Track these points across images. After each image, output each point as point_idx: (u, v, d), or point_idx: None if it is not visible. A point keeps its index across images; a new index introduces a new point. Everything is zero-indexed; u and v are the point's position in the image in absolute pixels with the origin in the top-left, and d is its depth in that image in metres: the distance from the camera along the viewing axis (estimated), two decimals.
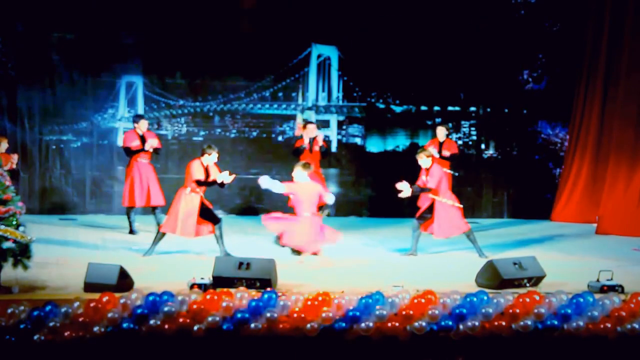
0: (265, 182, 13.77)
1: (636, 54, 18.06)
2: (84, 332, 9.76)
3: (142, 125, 16.39)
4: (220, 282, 11.24)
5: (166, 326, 9.92)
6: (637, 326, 10.50)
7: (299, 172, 13.92)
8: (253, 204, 19.74)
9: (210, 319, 10.00)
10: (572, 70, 19.73)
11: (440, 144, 16.92)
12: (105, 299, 9.99)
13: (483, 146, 20.62)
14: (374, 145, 20.43)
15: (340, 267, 13.54)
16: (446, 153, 16.85)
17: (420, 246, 14.78)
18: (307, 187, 13.87)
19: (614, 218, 17.80)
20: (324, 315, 10.09)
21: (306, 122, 16.89)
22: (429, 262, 14.33)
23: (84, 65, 19.04)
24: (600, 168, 18.76)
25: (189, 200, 13.92)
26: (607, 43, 18.63)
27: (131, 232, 16.47)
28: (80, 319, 9.79)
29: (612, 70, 18.56)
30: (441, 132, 17.00)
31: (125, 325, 9.86)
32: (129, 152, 16.29)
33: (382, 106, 20.32)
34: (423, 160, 14.60)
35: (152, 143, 16.19)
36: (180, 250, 14.51)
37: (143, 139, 16.24)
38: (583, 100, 19.27)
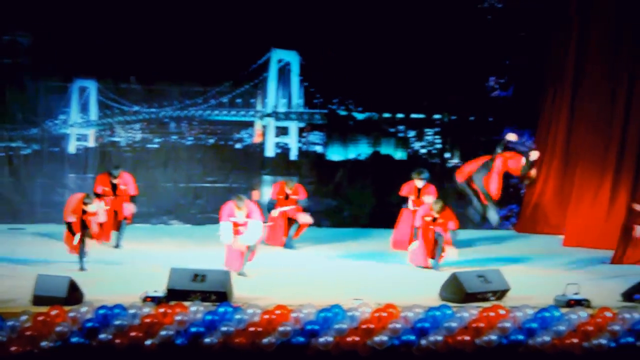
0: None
1: (604, 63, 17.92)
2: (31, 347, 9.63)
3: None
4: (175, 295, 11.04)
5: (117, 341, 9.79)
6: (604, 342, 10.41)
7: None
8: (209, 214, 19.41)
9: (163, 333, 9.87)
10: (539, 77, 19.62)
11: (419, 190, 16.41)
12: (54, 312, 9.90)
13: (448, 155, 20.42)
14: (335, 153, 20.20)
15: (299, 280, 13.35)
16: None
17: (382, 258, 14.64)
18: None
19: (582, 230, 17.53)
20: (281, 329, 9.98)
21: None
22: (390, 274, 14.13)
23: (34, 69, 18.61)
24: (567, 178, 18.58)
25: None
26: (575, 51, 18.50)
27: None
28: (28, 333, 9.67)
29: (579, 78, 18.43)
30: (420, 182, 16.45)
31: (74, 339, 9.73)
32: None
33: (343, 113, 20.13)
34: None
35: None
36: (132, 261, 14.25)
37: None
38: (550, 108, 19.17)
